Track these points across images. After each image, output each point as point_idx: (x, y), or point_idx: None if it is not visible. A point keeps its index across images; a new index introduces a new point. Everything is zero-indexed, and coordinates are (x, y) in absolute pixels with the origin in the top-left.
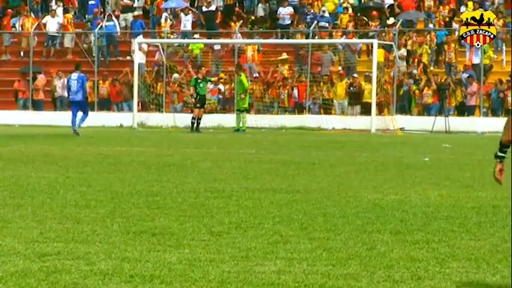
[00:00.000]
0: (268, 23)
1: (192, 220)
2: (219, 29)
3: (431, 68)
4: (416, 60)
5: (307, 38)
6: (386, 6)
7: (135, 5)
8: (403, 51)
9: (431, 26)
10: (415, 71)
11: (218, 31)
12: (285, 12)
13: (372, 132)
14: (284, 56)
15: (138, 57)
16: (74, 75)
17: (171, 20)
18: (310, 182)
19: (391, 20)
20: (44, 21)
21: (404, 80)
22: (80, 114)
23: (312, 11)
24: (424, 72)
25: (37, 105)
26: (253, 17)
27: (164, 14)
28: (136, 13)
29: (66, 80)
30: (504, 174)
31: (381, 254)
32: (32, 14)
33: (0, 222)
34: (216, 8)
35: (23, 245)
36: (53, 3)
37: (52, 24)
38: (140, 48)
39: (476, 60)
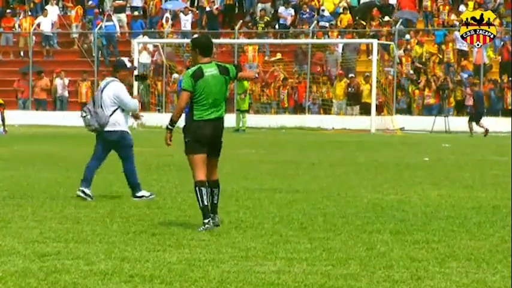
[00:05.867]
0: (268, 22)
1: (192, 220)
2: (219, 28)
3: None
4: (411, 60)
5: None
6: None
7: (137, 4)
8: (403, 51)
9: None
10: (411, 71)
11: (219, 31)
12: (286, 12)
13: (372, 132)
14: (278, 56)
15: (143, 57)
16: None
17: (171, 19)
18: (310, 182)
19: (388, 19)
20: (37, 21)
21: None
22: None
23: (308, 10)
24: (424, 72)
25: (41, 105)
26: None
27: (165, 15)
28: (136, 13)
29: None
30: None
31: (380, 254)
32: (29, 13)
33: (0, 222)
34: (221, 7)
35: (23, 245)
36: (54, 3)
37: (46, 24)
38: (146, 48)
39: (482, 60)
